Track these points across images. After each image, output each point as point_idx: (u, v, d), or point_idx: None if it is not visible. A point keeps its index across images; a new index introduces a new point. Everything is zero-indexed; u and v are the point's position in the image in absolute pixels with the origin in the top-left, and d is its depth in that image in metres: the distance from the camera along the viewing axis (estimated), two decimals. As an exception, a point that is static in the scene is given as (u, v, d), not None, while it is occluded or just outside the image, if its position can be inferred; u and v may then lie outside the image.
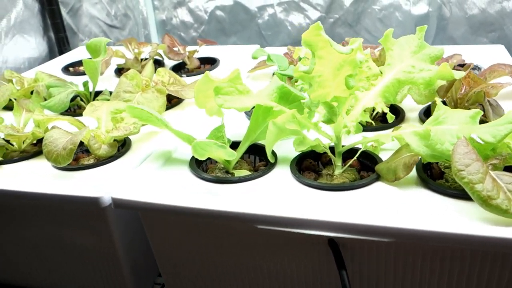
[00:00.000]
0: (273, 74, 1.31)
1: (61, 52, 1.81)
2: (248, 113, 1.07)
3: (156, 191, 0.78)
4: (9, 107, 1.20)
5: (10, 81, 1.27)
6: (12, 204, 0.92)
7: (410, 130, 0.74)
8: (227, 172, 0.85)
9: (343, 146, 0.82)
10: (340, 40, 1.88)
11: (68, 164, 0.84)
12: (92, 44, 1.18)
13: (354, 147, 0.82)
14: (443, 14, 1.67)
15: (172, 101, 1.17)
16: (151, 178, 0.82)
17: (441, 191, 0.71)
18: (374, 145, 0.86)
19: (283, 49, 1.43)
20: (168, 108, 1.14)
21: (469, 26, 1.66)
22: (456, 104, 0.92)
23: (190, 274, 0.87)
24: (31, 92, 1.24)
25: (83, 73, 1.50)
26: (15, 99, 1.15)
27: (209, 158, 0.90)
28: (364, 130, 0.88)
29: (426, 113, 0.98)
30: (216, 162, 0.89)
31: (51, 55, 1.81)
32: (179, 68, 1.45)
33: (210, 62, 1.47)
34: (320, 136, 0.83)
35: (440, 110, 0.74)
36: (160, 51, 1.45)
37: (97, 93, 1.24)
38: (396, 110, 1.00)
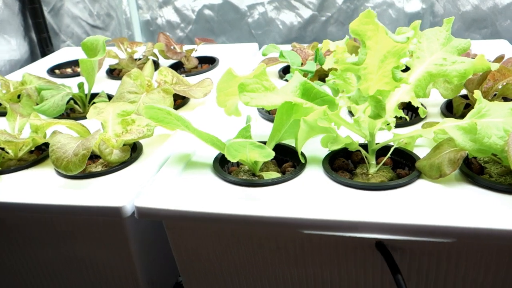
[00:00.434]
0: (279, 71, 1.25)
1: (43, 54, 1.70)
2: (262, 111, 1.02)
3: (183, 198, 0.72)
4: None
5: (-6, 84, 1.17)
6: (15, 219, 0.83)
7: (453, 124, 0.71)
8: (254, 174, 0.80)
9: (377, 143, 0.78)
10: (332, 39, 1.86)
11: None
12: (89, 42, 1.10)
13: (388, 144, 0.78)
14: (436, 11, 1.67)
15: (177, 102, 1.11)
16: (175, 184, 0.76)
17: (491, 186, 0.68)
18: (404, 142, 0.82)
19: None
20: (174, 109, 1.07)
21: (462, 22, 1.66)
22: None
23: (218, 286, 0.81)
24: (18, 96, 1.15)
25: (71, 75, 1.42)
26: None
27: (228, 161, 0.84)
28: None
29: (448, 108, 0.96)
30: (240, 164, 0.84)
31: (33, 57, 1.70)
32: (175, 68, 1.38)
33: (208, 62, 1.41)
34: (351, 133, 0.79)
35: (482, 103, 0.71)
36: (155, 51, 1.38)
37: (93, 96, 1.17)
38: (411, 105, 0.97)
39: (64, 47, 1.83)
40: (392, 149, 0.78)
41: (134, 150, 0.89)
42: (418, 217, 0.62)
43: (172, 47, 1.33)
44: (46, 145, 0.95)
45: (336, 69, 0.85)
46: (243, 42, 1.89)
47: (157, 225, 0.87)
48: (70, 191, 0.77)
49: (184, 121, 0.79)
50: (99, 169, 0.85)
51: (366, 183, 0.72)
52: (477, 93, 0.72)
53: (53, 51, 1.73)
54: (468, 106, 0.93)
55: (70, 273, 0.87)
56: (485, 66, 0.75)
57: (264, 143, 0.82)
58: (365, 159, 0.79)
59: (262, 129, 0.93)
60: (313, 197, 0.70)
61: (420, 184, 0.71)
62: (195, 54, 1.40)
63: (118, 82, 1.32)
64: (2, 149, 0.92)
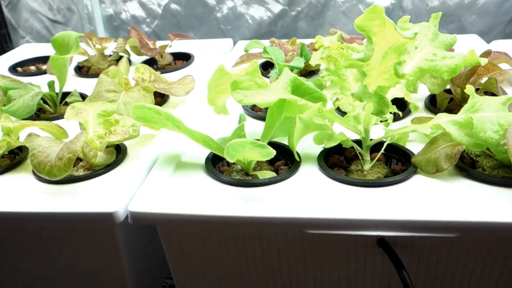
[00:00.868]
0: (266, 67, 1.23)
1: (3, 51, 1.60)
2: (247, 108, 1.00)
3: (179, 201, 0.69)
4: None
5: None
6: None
7: (448, 119, 0.72)
8: (247, 174, 0.78)
9: (371, 139, 0.78)
10: (303, 34, 1.86)
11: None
12: (60, 38, 1.04)
13: (381, 140, 0.78)
14: (405, 6, 1.70)
15: (156, 100, 1.06)
16: (167, 186, 0.73)
17: (485, 180, 0.69)
18: (396, 137, 0.83)
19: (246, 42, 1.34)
20: (153, 108, 1.03)
21: (430, 17, 1.70)
22: (463, 93, 0.92)
23: (212, 289, 0.78)
24: (-21, 96, 1.07)
25: (35, 73, 1.34)
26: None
27: (221, 161, 0.82)
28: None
29: (432, 102, 0.97)
30: (231, 164, 0.82)
31: (-9, 54, 1.60)
32: (149, 65, 1.33)
33: (183, 58, 1.36)
34: (343, 130, 0.78)
35: (475, 98, 0.73)
36: (127, 47, 1.33)
37: (64, 95, 1.10)
38: (401, 101, 0.98)
39: (24, 43, 1.73)
40: (385, 144, 0.78)
41: (118, 152, 0.85)
42: (421, 213, 0.62)
43: (145, 43, 1.28)
44: (20, 148, 0.89)
45: (328, 66, 0.84)
46: (212, 37, 1.85)
47: (146, 229, 0.84)
48: (55, 198, 0.73)
49: (174, 121, 0.76)
50: (81, 173, 0.80)
51: (364, 180, 0.72)
52: (469, 88, 0.73)
53: (12, 48, 1.63)
54: (452, 101, 0.94)
55: (58, 281, 0.83)
56: (475, 61, 0.77)
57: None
58: (359, 155, 0.78)
59: (248, 126, 0.91)
60: (312, 196, 0.68)
61: (418, 180, 0.71)
62: (168, 50, 1.36)
63: (87, 80, 1.26)
64: (-29, 154, 0.85)
